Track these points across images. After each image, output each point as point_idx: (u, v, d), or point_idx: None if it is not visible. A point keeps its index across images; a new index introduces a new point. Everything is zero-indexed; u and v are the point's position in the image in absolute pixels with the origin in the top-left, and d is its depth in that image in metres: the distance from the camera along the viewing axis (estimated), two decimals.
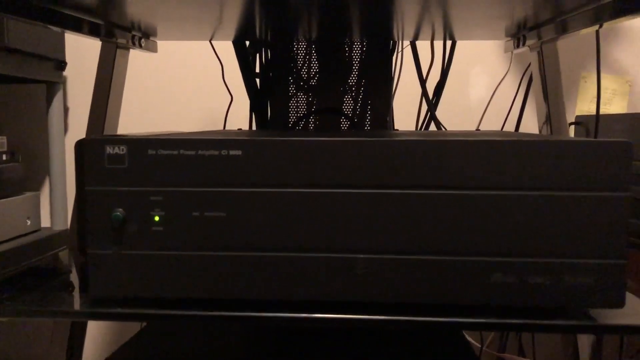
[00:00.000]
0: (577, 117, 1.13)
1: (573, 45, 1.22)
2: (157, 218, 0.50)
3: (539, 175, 0.49)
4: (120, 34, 0.81)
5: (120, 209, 0.50)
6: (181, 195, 0.50)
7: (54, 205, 1.19)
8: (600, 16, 0.63)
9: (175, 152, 0.49)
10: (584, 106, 1.26)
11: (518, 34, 0.84)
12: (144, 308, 0.52)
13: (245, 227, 0.50)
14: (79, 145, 0.51)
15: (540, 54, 0.81)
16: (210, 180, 0.50)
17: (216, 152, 0.49)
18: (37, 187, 1.31)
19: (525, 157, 0.49)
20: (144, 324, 0.78)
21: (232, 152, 0.49)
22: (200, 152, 0.49)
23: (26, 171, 1.17)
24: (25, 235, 1.09)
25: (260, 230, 0.50)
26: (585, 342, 0.79)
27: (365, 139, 0.49)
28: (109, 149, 0.49)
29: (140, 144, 0.49)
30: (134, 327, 1.09)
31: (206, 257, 0.50)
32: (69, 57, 1.22)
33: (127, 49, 0.85)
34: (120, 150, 0.49)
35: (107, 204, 0.50)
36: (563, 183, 0.48)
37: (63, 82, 1.23)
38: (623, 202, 0.48)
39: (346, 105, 0.94)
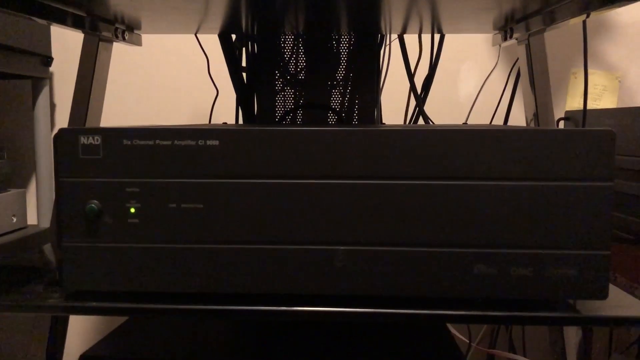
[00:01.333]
0: (567, 112, 1.13)
1: (563, 42, 1.22)
2: (133, 210, 0.49)
3: (523, 165, 0.48)
4: (103, 26, 0.80)
5: (95, 201, 0.49)
6: (158, 186, 0.49)
7: (41, 202, 1.18)
8: (587, 5, 0.62)
9: (151, 143, 0.48)
10: (574, 102, 1.26)
11: (506, 27, 0.83)
12: (122, 302, 0.51)
13: (223, 219, 0.49)
14: (56, 138, 0.50)
15: (528, 47, 0.80)
16: (187, 171, 0.48)
17: (193, 143, 0.48)
18: (23, 184, 1.29)
19: (509, 147, 0.48)
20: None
21: (209, 143, 0.48)
22: (176, 142, 0.48)
23: (12, 168, 1.15)
24: (11, 232, 1.08)
25: (238, 222, 0.49)
26: (573, 338, 0.79)
27: (345, 129, 0.48)
28: (83, 139, 0.48)
29: (115, 134, 0.48)
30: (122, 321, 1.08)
31: (183, 250, 0.49)
32: (56, 54, 1.20)
33: (111, 42, 0.84)
34: (95, 140, 0.48)
35: (81, 196, 0.49)
36: (547, 173, 0.48)
37: (49, 77, 1.21)
38: (608, 192, 0.47)
39: (334, 99, 0.93)
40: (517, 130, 0.48)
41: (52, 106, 1.28)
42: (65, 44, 1.25)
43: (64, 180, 0.49)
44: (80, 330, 1.29)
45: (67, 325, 0.71)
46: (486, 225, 0.48)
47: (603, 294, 0.48)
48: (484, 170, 0.48)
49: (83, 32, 0.79)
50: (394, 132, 0.48)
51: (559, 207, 0.48)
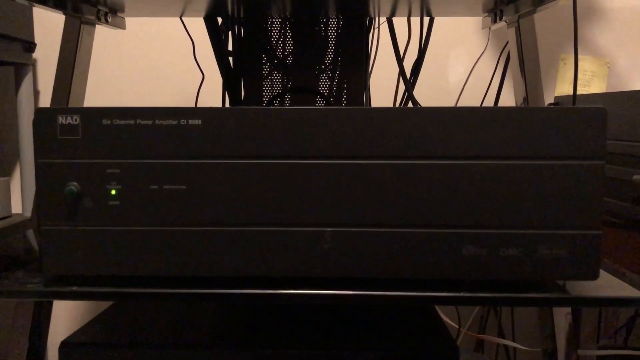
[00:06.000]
0: (556, 97, 1.13)
1: (551, 28, 1.21)
2: (113, 192, 0.48)
3: (513, 144, 0.47)
4: (86, 8, 0.78)
5: (75, 183, 0.47)
6: (139, 167, 0.47)
7: (25, 190, 1.16)
8: None
9: (131, 122, 0.47)
10: (563, 88, 1.25)
11: (495, 9, 0.82)
12: (106, 286, 0.49)
13: (206, 200, 0.48)
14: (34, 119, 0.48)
15: (518, 30, 0.79)
16: (169, 151, 0.47)
17: (175, 122, 0.47)
18: (8, 173, 1.27)
19: (500, 125, 0.47)
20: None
21: (191, 122, 0.47)
22: (158, 121, 0.47)
23: None
24: None
25: (222, 204, 0.48)
26: (561, 322, 0.79)
27: (330, 108, 0.47)
28: (62, 119, 0.47)
29: (94, 114, 0.47)
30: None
31: (165, 232, 0.48)
32: (40, 39, 1.18)
33: (93, 24, 0.82)
34: (74, 120, 0.47)
35: (60, 177, 0.47)
36: (537, 151, 0.47)
37: (32, 64, 1.19)
38: (599, 171, 0.46)
39: (322, 84, 0.92)
40: (507, 109, 0.47)
41: (36, 93, 1.26)
42: (49, 29, 1.22)
43: (42, 161, 0.47)
44: (69, 318, 1.28)
45: (50, 312, 0.70)
46: (475, 206, 0.47)
47: (594, 274, 0.47)
48: (475, 150, 0.47)
49: (64, 13, 0.77)
50: (381, 112, 0.47)
51: (549, 186, 0.47)
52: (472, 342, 1.19)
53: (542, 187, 0.47)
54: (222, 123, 0.47)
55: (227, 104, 0.94)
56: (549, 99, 1.20)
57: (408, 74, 0.93)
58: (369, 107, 0.50)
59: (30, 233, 0.76)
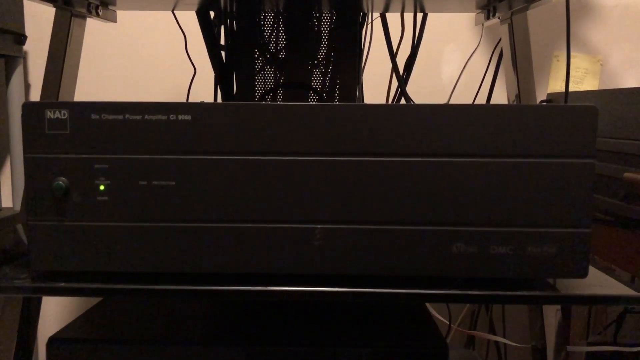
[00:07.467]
0: (549, 94, 1.13)
1: (545, 25, 1.21)
2: (102, 187, 0.47)
3: (503, 142, 0.47)
4: (77, 1, 0.77)
5: (63, 178, 0.47)
6: (127, 163, 0.47)
7: (16, 184, 1.15)
8: None
9: (120, 117, 0.46)
10: (556, 85, 1.26)
11: (488, 5, 0.82)
12: (95, 282, 0.49)
13: (195, 196, 0.47)
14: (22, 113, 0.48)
15: (511, 27, 0.79)
16: (158, 146, 0.47)
17: (164, 117, 0.46)
18: None
19: (490, 123, 0.47)
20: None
21: (180, 117, 0.46)
22: (147, 116, 0.46)
23: None
24: None
25: (211, 200, 0.48)
26: (552, 319, 0.79)
27: (321, 104, 0.47)
28: (49, 114, 0.46)
29: (82, 108, 0.46)
30: None
31: (154, 228, 0.48)
32: (30, 32, 1.17)
33: (84, 17, 0.81)
34: (62, 115, 0.46)
35: (48, 172, 0.47)
36: (527, 149, 0.47)
37: (23, 56, 1.18)
38: (589, 169, 0.46)
39: (315, 79, 0.91)
40: (499, 107, 0.47)
41: (27, 86, 1.25)
42: (40, 22, 1.21)
43: (30, 156, 0.47)
44: (57, 314, 1.27)
45: (39, 308, 0.70)
46: (466, 203, 0.47)
47: (583, 272, 0.48)
48: (466, 147, 0.47)
49: (55, 6, 0.76)
50: (374, 109, 0.47)
51: (539, 185, 0.47)
52: (463, 339, 1.19)
53: (533, 184, 0.47)
54: (211, 119, 0.46)
55: (219, 99, 0.93)
56: (541, 96, 1.21)
57: (401, 70, 0.93)
58: (361, 103, 0.49)
59: (20, 227, 0.76)
